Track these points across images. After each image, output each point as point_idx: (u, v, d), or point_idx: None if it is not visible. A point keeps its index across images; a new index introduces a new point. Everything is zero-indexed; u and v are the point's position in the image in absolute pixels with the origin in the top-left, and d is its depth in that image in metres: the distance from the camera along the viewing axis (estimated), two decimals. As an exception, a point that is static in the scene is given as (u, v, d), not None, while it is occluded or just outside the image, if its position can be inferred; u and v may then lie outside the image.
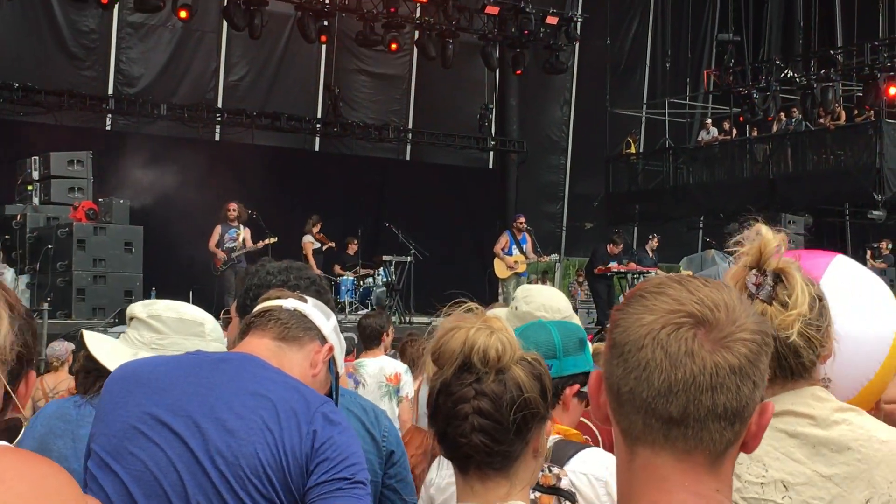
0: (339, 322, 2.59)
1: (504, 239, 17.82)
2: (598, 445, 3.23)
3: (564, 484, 1.92)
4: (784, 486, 1.85)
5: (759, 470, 1.86)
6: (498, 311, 3.63)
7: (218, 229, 15.02)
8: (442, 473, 2.45)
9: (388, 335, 7.10)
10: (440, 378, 1.81)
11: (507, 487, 1.78)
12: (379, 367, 6.79)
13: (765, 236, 1.87)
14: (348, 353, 9.98)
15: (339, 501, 2.16)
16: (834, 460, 1.88)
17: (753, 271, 1.89)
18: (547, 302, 3.31)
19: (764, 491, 1.84)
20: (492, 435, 1.75)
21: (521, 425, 1.77)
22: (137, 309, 3.07)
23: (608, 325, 1.36)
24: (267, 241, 14.74)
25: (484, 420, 1.75)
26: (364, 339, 7.07)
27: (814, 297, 1.91)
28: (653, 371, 1.26)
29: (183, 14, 16.54)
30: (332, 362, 2.48)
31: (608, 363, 1.32)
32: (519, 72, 20.20)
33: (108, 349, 2.96)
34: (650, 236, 19.41)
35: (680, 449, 1.26)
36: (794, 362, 1.91)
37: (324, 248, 16.80)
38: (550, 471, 1.91)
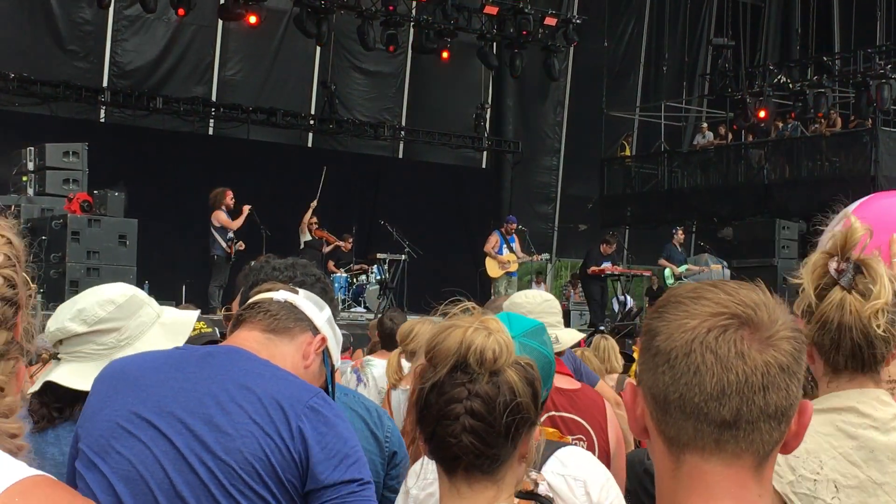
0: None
1: (494, 238, 17.82)
2: (592, 447, 3.22)
3: (542, 490, 1.90)
4: (836, 486, 1.84)
5: (815, 466, 1.85)
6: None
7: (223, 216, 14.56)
8: (420, 484, 2.39)
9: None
10: (433, 377, 1.78)
11: (493, 491, 1.76)
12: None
13: (852, 224, 1.87)
14: (344, 350, 9.88)
15: None
16: (888, 468, 1.86)
17: (835, 258, 1.89)
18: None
19: (816, 488, 1.84)
20: (482, 437, 1.73)
21: (511, 429, 1.74)
22: (72, 327, 2.54)
23: (643, 335, 1.35)
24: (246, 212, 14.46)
25: (475, 421, 1.73)
26: (384, 339, 6.85)
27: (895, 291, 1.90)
28: (704, 375, 1.26)
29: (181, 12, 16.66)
30: (325, 354, 2.43)
31: (650, 372, 1.31)
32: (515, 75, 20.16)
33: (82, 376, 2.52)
34: (674, 230, 19.34)
35: (729, 453, 1.27)
36: (868, 354, 1.90)
37: (325, 247, 16.60)
38: (528, 475, 1.90)
